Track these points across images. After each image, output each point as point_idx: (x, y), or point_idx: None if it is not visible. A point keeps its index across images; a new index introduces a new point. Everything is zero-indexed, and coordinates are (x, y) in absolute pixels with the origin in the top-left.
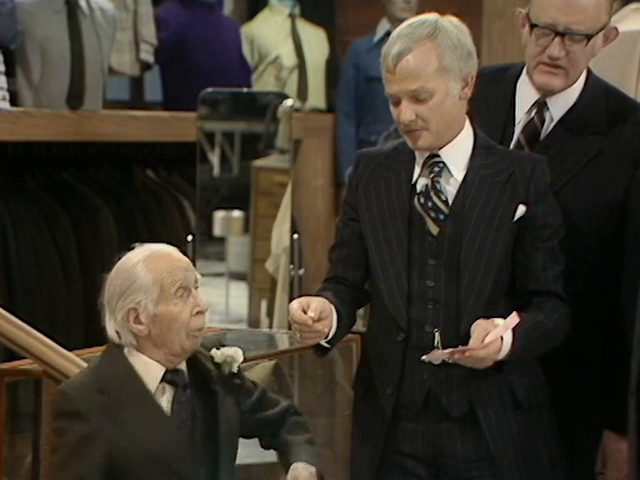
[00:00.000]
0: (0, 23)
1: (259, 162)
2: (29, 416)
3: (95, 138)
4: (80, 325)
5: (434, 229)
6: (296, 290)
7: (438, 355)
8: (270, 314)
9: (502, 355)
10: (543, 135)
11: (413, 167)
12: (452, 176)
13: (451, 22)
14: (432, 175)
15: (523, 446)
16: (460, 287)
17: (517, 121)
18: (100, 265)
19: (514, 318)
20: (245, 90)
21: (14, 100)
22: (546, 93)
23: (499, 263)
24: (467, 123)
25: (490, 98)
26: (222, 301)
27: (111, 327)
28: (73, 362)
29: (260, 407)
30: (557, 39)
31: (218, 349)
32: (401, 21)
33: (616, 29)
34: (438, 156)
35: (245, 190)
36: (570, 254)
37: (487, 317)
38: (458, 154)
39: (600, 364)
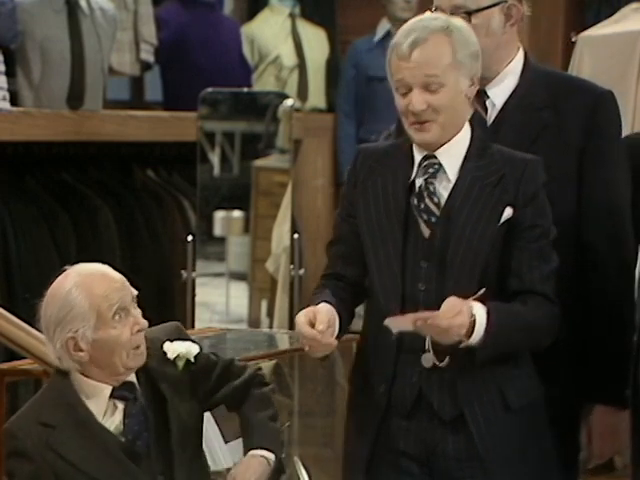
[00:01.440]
0: (0, 23)
1: (259, 162)
2: None
3: (95, 138)
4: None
5: (426, 231)
6: (296, 290)
7: (400, 321)
8: (270, 314)
9: (475, 338)
10: (490, 122)
11: (412, 166)
12: (447, 177)
13: (462, 22)
14: (426, 176)
15: (513, 448)
16: (447, 290)
17: None
18: None
19: (481, 293)
20: (245, 90)
21: (14, 100)
22: (480, 82)
23: (484, 265)
24: (467, 124)
25: None
26: (222, 301)
27: (51, 352)
28: None
29: (222, 380)
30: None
31: (172, 342)
32: (401, 21)
33: (518, 8)
34: (434, 157)
35: (245, 190)
36: None
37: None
38: (454, 155)
39: (574, 342)
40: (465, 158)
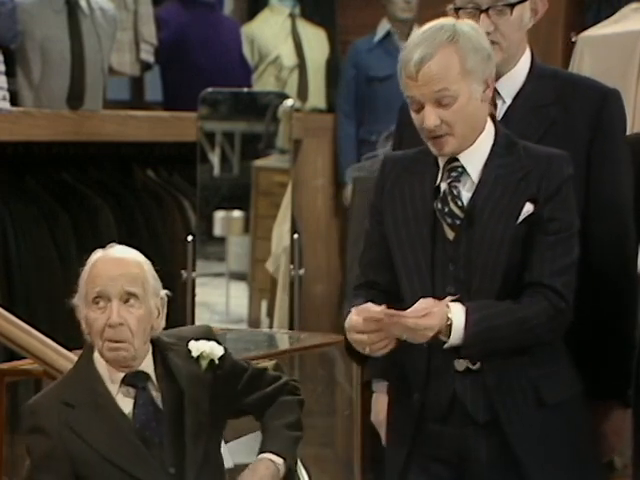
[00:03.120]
0: (0, 23)
1: (259, 162)
2: None
3: (95, 138)
4: (80, 325)
5: (450, 234)
6: (296, 290)
7: (371, 314)
8: (270, 314)
9: (455, 339)
10: (499, 117)
11: (437, 170)
12: (470, 179)
13: (469, 25)
14: (450, 180)
15: (549, 445)
16: (472, 291)
17: None
18: None
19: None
20: (245, 90)
21: (14, 100)
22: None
23: (506, 264)
24: (489, 124)
25: None
26: (222, 301)
27: None
28: (73, 362)
29: (251, 388)
30: (482, 16)
31: (197, 341)
32: (401, 21)
33: (543, 2)
34: (457, 160)
35: (245, 190)
36: None
37: None
38: (477, 156)
39: (577, 339)
40: (489, 158)
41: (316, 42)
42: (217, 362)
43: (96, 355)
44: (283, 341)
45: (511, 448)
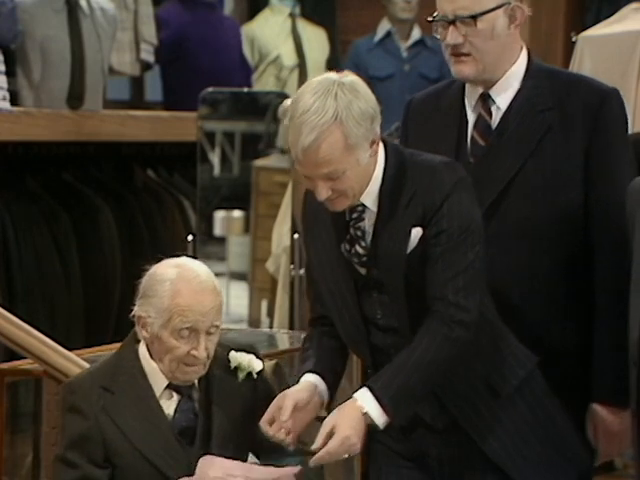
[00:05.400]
0: (0, 23)
1: (259, 162)
2: (29, 416)
3: (95, 138)
4: (80, 324)
5: (362, 270)
6: (297, 290)
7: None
8: (271, 314)
9: (380, 420)
10: (494, 125)
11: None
12: (372, 212)
13: (351, 86)
14: (352, 222)
15: (515, 434)
16: (398, 314)
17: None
18: (101, 265)
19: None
20: (245, 90)
21: (14, 100)
22: (485, 85)
23: (412, 284)
24: (380, 157)
25: (438, 109)
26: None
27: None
28: (73, 362)
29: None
30: (450, 27)
31: (237, 352)
32: (402, 21)
33: (522, 9)
34: (358, 203)
35: (245, 190)
36: (539, 231)
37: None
38: (373, 191)
39: (579, 342)
40: (381, 191)
41: (316, 42)
42: (255, 375)
43: (142, 350)
44: (283, 341)
45: (474, 446)
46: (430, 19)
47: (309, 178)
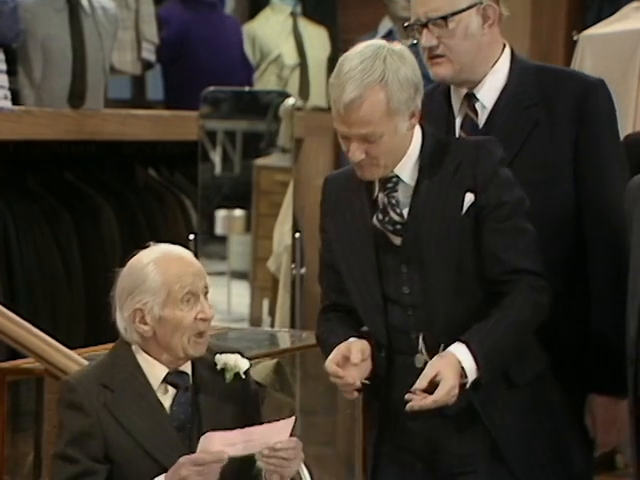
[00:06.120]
0: (2, 22)
1: (261, 161)
2: (31, 415)
3: (97, 137)
4: (82, 324)
5: (397, 240)
6: (298, 289)
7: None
8: (272, 313)
9: (471, 377)
10: (481, 124)
11: (373, 183)
12: (406, 185)
13: (400, 55)
14: (387, 191)
15: (525, 425)
16: (429, 288)
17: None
18: (102, 264)
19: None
20: (247, 89)
21: (16, 99)
22: (468, 86)
23: (457, 256)
24: (416, 136)
25: (430, 112)
26: (224, 300)
27: (120, 322)
28: (75, 361)
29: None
30: (424, 31)
31: (222, 354)
32: (403, 20)
33: (494, 8)
34: (392, 175)
35: (247, 189)
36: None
37: (463, 307)
38: (408, 165)
39: (573, 333)
40: (420, 161)
41: (317, 41)
42: (243, 376)
43: (135, 348)
44: (284, 340)
45: (484, 438)
46: (406, 25)
47: (346, 138)
